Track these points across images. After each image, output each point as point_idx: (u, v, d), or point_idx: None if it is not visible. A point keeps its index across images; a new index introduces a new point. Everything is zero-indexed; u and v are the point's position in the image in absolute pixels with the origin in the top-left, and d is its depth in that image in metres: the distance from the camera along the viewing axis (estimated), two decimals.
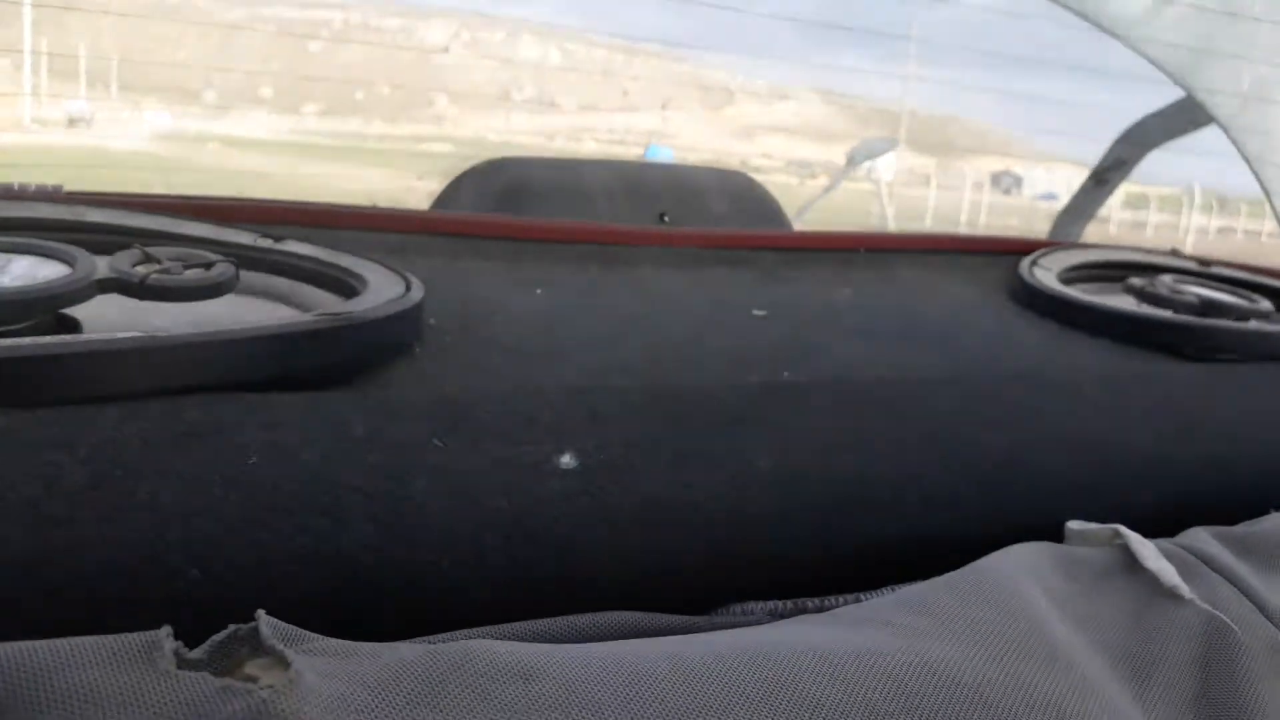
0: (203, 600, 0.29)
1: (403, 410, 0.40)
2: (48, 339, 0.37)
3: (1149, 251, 0.87)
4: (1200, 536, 0.41)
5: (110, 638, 0.23)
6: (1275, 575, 0.40)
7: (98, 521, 0.30)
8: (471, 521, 0.34)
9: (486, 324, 0.54)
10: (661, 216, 0.82)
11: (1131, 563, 0.39)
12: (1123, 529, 0.40)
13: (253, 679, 0.23)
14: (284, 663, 0.23)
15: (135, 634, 0.23)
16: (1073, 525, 0.43)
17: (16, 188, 0.58)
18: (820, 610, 0.36)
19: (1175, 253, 0.89)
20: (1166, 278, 0.77)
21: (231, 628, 0.25)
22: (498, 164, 0.83)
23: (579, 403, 0.43)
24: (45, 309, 0.42)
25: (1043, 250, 0.83)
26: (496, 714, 0.24)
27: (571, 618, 0.32)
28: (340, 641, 0.25)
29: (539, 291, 0.62)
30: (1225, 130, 0.95)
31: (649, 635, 0.32)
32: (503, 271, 0.65)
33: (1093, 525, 0.42)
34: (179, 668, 0.23)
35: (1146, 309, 0.73)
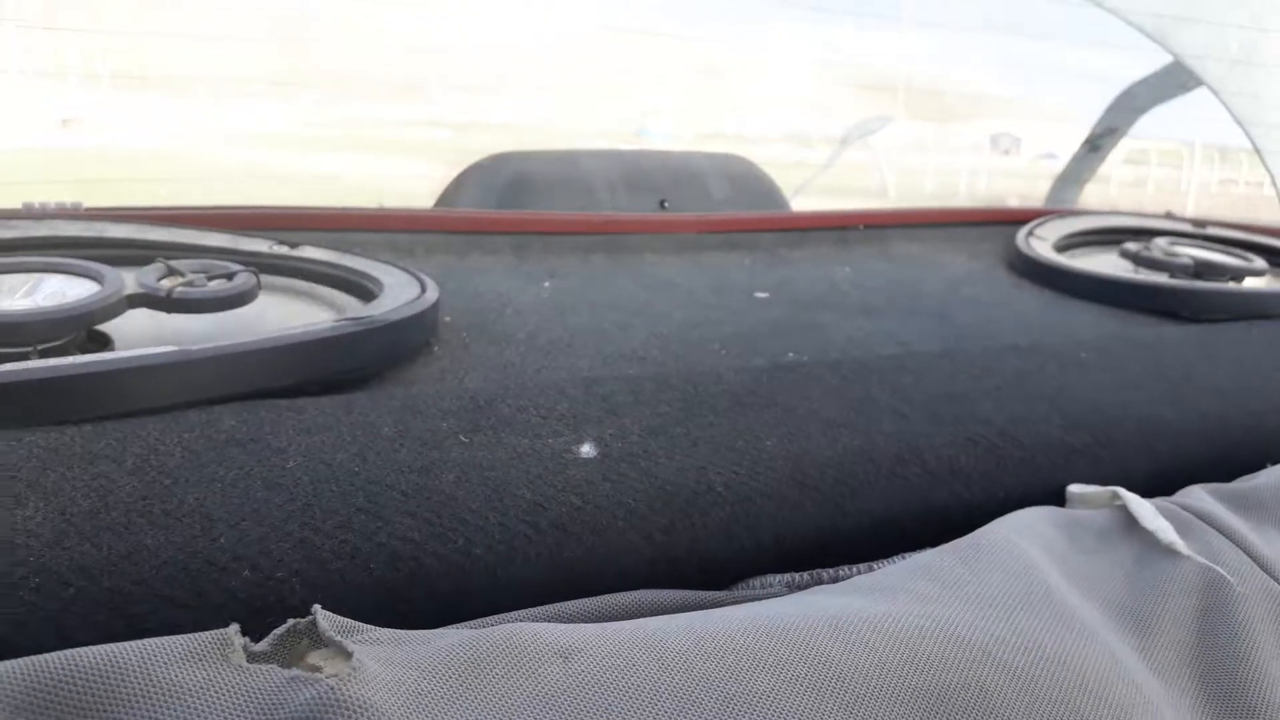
0: (256, 598, 0.31)
1: (427, 408, 0.42)
2: (89, 358, 0.39)
3: (1143, 215, 0.89)
4: (1197, 494, 0.43)
5: (185, 637, 0.25)
6: (1270, 528, 0.42)
7: (151, 529, 0.32)
8: (500, 511, 0.36)
9: (499, 319, 0.56)
10: (662, 203, 0.84)
11: (1130, 522, 0.41)
12: (1121, 490, 0.42)
13: (316, 669, 0.25)
14: (344, 652, 0.25)
15: (207, 632, 0.25)
16: (1073, 489, 0.45)
17: (37, 206, 0.60)
18: (835, 580, 0.38)
19: (1170, 215, 0.90)
20: (1161, 241, 0.79)
21: (290, 622, 0.27)
22: (500, 159, 0.85)
23: (594, 393, 0.45)
24: (79, 326, 0.44)
25: (1039, 220, 0.84)
26: (539, 691, 0.26)
27: (601, 598, 0.34)
28: (391, 630, 0.27)
29: (546, 284, 0.63)
30: (1215, 93, 0.96)
31: (674, 612, 0.34)
32: (510, 265, 0.67)
33: (1092, 488, 0.44)
34: (249, 661, 0.25)
35: (1141, 274, 0.74)
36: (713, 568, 0.38)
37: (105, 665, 0.23)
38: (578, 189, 0.82)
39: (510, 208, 0.81)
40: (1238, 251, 0.79)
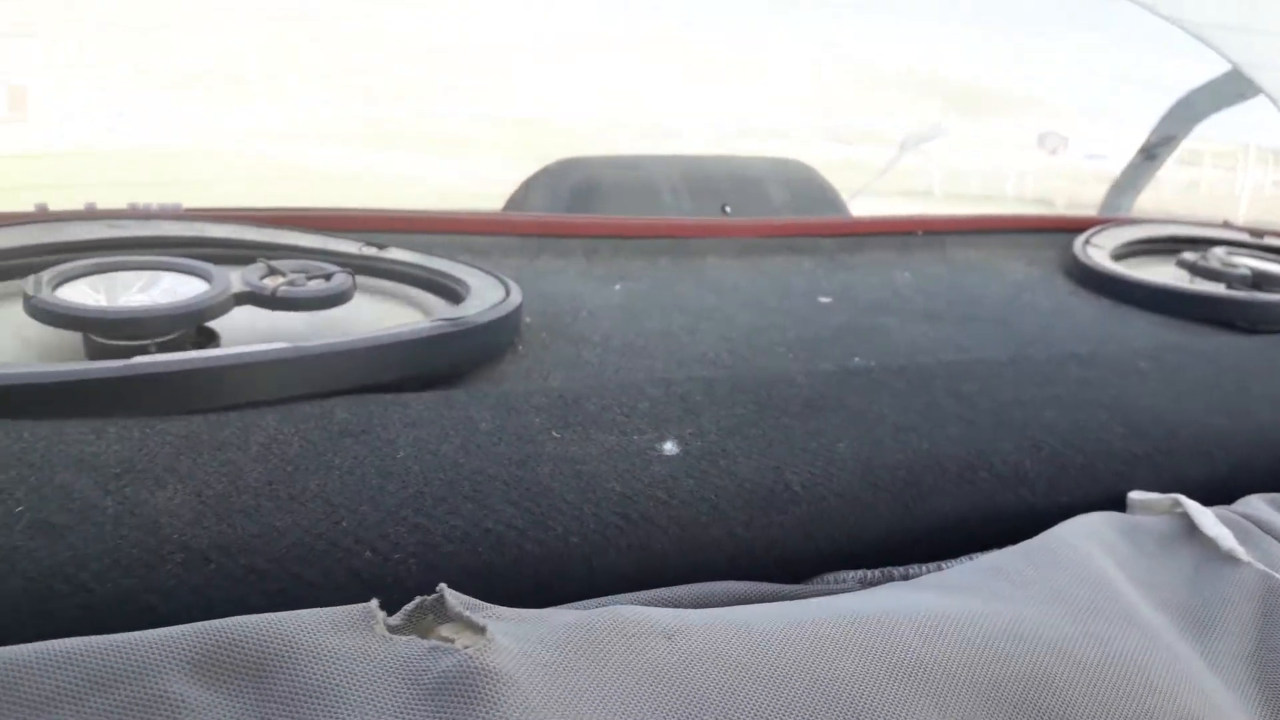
0: (376, 578, 0.34)
1: (520, 405, 0.44)
2: (215, 352, 0.42)
3: (1201, 224, 0.89)
4: (1255, 503, 0.44)
5: (333, 609, 0.27)
6: None
7: (279, 512, 0.35)
8: (593, 503, 0.38)
9: (574, 321, 0.58)
10: (723, 207, 0.86)
11: (1191, 529, 0.42)
12: (1182, 497, 0.44)
13: (449, 640, 0.27)
14: (473, 626, 0.28)
15: (352, 606, 0.28)
16: (1134, 495, 0.46)
17: (141, 206, 0.63)
18: (905, 578, 0.40)
19: (1227, 224, 0.91)
20: (1219, 251, 0.79)
21: (419, 599, 0.29)
22: (567, 164, 0.87)
23: (672, 393, 0.47)
24: (192, 322, 0.47)
25: (1095, 228, 0.85)
26: (647, 666, 0.28)
27: (685, 587, 0.37)
28: (509, 609, 0.30)
29: (617, 287, 0.66)
30: (1274, 101, 0.96)
31: (755, 602, 0.36)
32: (581, 268, 0.69)
33: (1153, 495, 0.46)
34: (390, 632, 0.27)
35: (1198, 284, 0.75)
36: (789, 563, 0.41)
37: (267, 631, 0.26)
38: (642, 193, 0.85)
39: (577, 211, 0.84)
40: None
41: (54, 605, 0.30)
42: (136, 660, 0.25)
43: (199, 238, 0.58)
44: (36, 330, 0.49)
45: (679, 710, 0.27)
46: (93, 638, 0.25)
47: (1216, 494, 0.46)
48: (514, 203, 0.91)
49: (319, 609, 0.27)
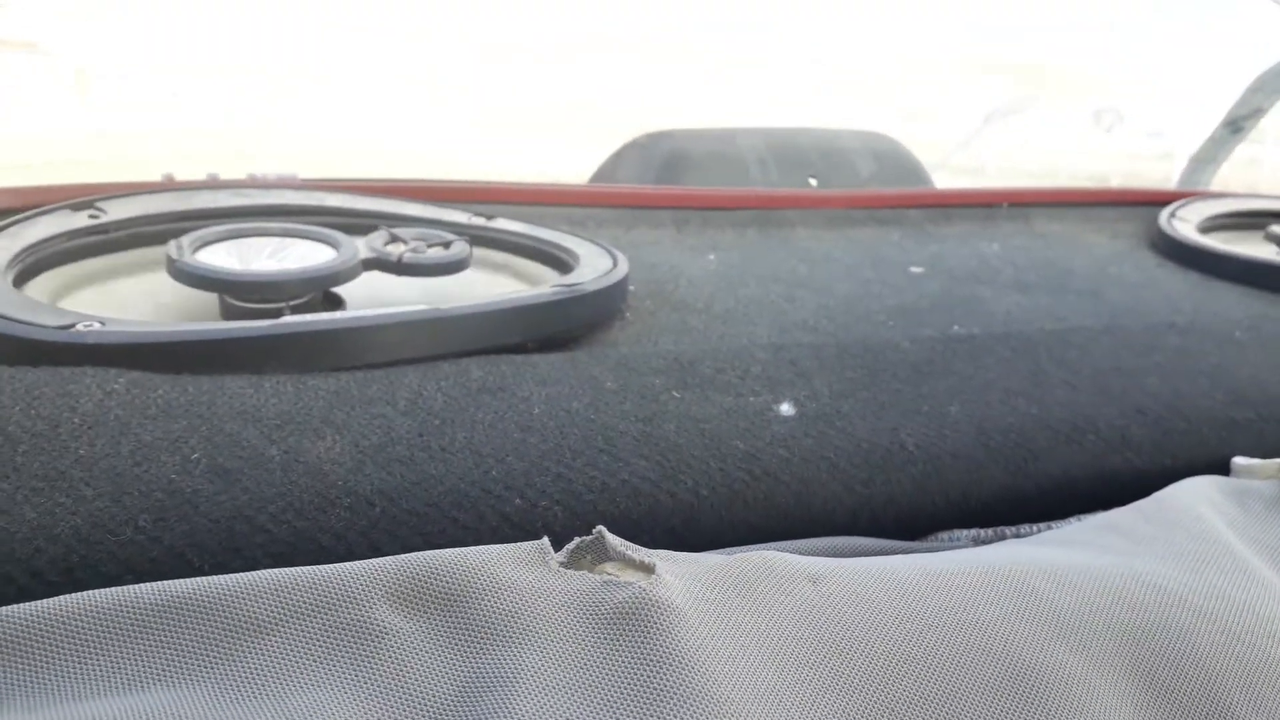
0: (525, 523, 0.36)
1: (640, 366, 0.46)
2: (359, 313, 0.45)
3: None
4: None
5: (510, 546, 0.30)
6: None
7: (431, 461, 0.37)
8: (720, 459, 0.40)
9: (675, 289, 0.60)
10: (809, 179, 0.87)
11: None
12: None
13: (614, 576, 0.29)
14: (641, 564, 0.30)
15: (525, 543, 0.30)
16: (1239, 460, 0.47)
17: (259, 176, 0.66)
18: (1018, 537, 0.41)
19: None
20: None
21: (578, 540, 0.31)
22: (657, 136, 0.89)
23: (782, 358, 0.49)
24: (324, 285, 0.50)
25: (1180, 201, 0.85)
26: (797, 607, 0.30)
27: (815, 540, 0.38)
28: (661, 550, 0.32)
29: (711, 257, 0.67)
30: None
31: (878, 555, 0.38)
32: (674, 238, 0.71)
33: (1257, 460, 0.46)
34: (563, 567, 0.29)
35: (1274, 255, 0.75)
36: (906, 520, 0.42)
37: (456, 564, 0.28)
38: (731, 165, 0.86)
39: (665, 183, 0.85)
40: None
41: (239, 544, 0.33)
42: (343, 589, 0.27)
43: (318, 206, 0.60)
44: (171, 292, 0.52)
45: (828, 650, 0.29)
46: (299, 569, 0.28)
47: None
48: (601, 175, 0.93)
49: (497, 545, 0.30)
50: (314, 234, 0.54)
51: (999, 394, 0.47)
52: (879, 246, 0.73)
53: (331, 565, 0.28)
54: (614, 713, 0.25)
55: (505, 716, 0.24)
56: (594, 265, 0.55)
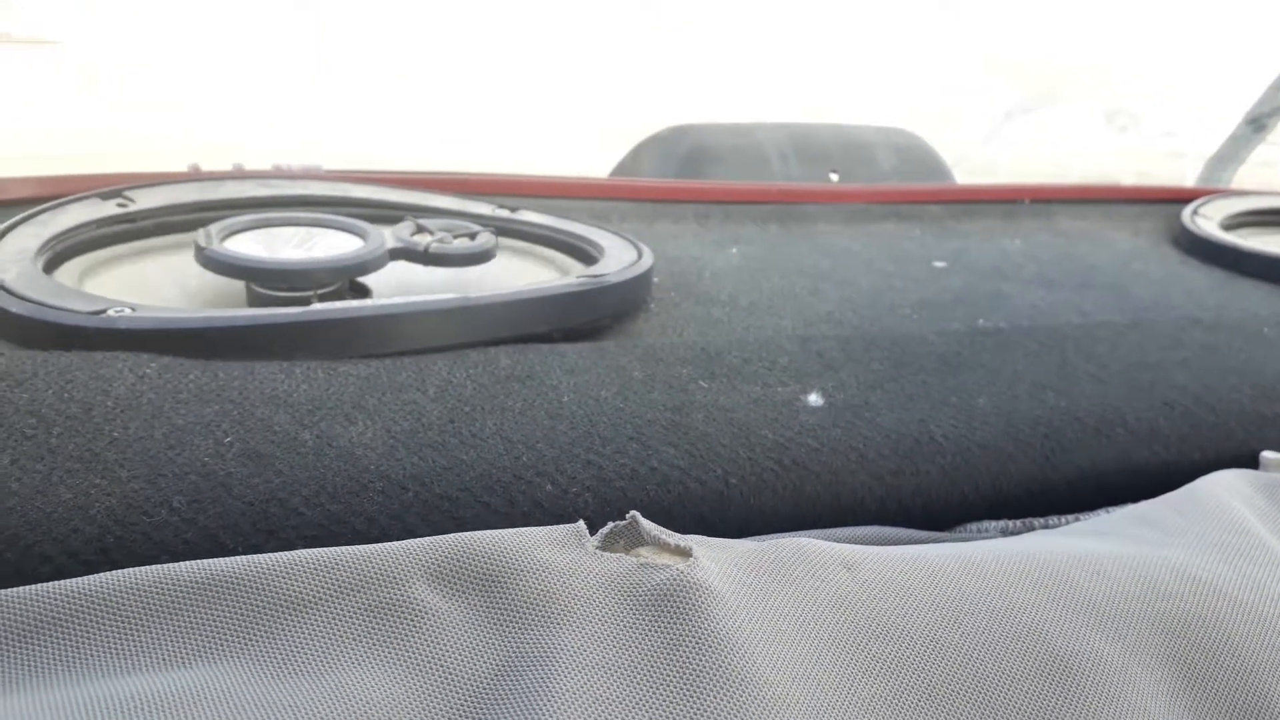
0: (557, 508, 0.36)
1: (666, 356, 0.46)
2: (388, 301, 0.45)
3: None
4: None
5: (546, 528, 0.30)
6: None
7: (463, 447, 0.37)
8: (748, 448, 0.40)
9: (699, 281, 0.60)
10: (830, 174, 0.87)
11: None
12: None
13: (650, 560, 0.29)
14: (677, 549, 0.30)
15: (562, 525, 0.30)
16: (1268, 454, 0.47)
17: (284, 167, 0.66)
18: (1046, 529, 0.41)
19: None
20: None
21: (611, 524, 0.31)
22: (678, 131, 0.89)
23: (809, 349, 0.49)
24: (352, 274, 0.50)
25: (1202, 199, 0.85)
26: (833, 593, 0.30)
27: (844, 529, 0.38)
28: (695, 536, 0.32)
29: (734, 250, 0.67)
30: None
31: (908, 544, 0.38)
32: (696, 232, 0.71)
33: None
34: (600, 550, 0.29)
35: None
36: (934, 510, 0.42)
37: (494, 545, 0.28)
38: (752, 160, 0.86)
39: (687, 177, 0.85)
40: None
41: (273, 527, 0.33)
42: (382, 568, 0.27)
43: (344, 197, 0.60)
44: (199, 280, 0.52)
45: (863, 634, 0.29)
46: (340, 548, 0.28)
47: None
48: (623, 169, 0.93)
49: (533, 528, 0.30)
50: (340, 224, 0.54)
51: (1027, 387, 0.47)
52: (900, 241, 0.73)
53: (370, 545, 0.28)
54: (652, 692, 0.25)
55: (544, 694, 0.24)
56: (619, 257, 0.55)
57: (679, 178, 0.84)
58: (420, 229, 0.55)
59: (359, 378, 0.41)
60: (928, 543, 0.39)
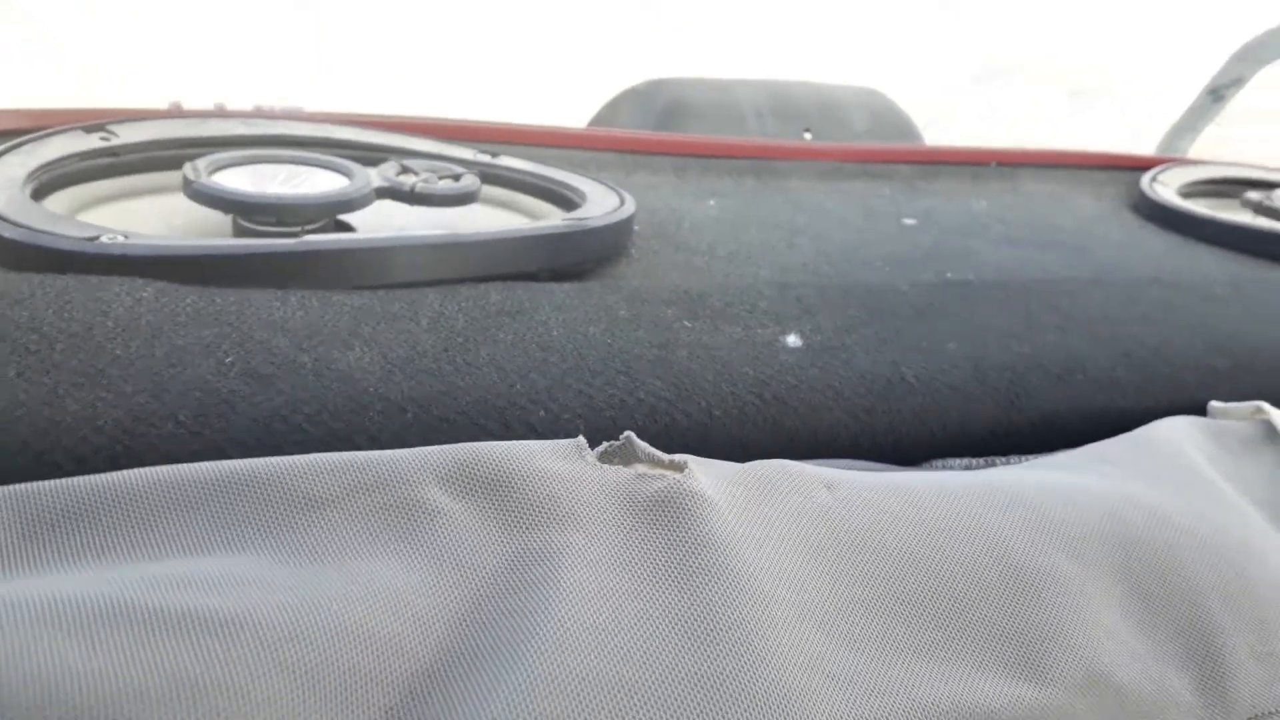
0: (550, 433, 0.37)
1: (651, 297, 0.47)
2: (380, 235, 0.46)
3: (1264, 168, 0.91)
4: None
5: (549, 441, 0.31)
6: None
7: (458, 374, 0.38)
8: (731, 383, 0.42)
9: (678, 230, 0.61)
10: (805, 132, 0.88)
11: (1271, 434, 0.46)
12: (1265, 405, 0.47)
13: (647, 472, 0.31)
14: (666, 464, 0.31)
15: (562, 440, 0.31)
16: (1214, 404, 0.50)
17: (266, 107, 0.66)
18: (1012, 464, 0.43)
19: None
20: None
21: (605, 444, 0.33)
22: (655, 84, 0.89)
23: (788, 295, 0.50)
24: (338, 211, 0.51)
25: (1161, 167, 0.87)
26: (816, 507, 0.32)
27: (821, 461, 0.40)
28: (685, 454, 0.33)
29: (711, 202, 0.69)
30: None
31: None
32: (674, 184, 0.72)
33: (1233, 404, 0.49)
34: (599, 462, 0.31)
35: (1263, 222, 0.77)
36: (905, 447, 0.44)
37: (501, 453, 0.30)
38: (728, 115, 0.87)
39: (664, 130, 0.86)
40: None
41: (277, 442, 0.34)
42: (396, 470, 0.29)
43: (327, 138, 0.61)
44: (185, 215, 0.53)
45: (844, 545, 0.31)
46: (356, 453, 0.29)
47: None
48: (599, 121, 0.94)
49: (535, 441, 0.31)
50: (327, 163, 0.54)
51: (994, 335, 0.49)
52: (871, 199, 0.75)
53: (382, 451, 0.29)
54: (652, 587, 0.26)
55: (552, 585, 0.25)
56: (601, 203, 0.56)
57: (656, 130, 0.85)
58: (405, 169, 0.56)
59: (353, 307, 0.42)
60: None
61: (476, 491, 0.29)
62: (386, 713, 0.23)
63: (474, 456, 0.29)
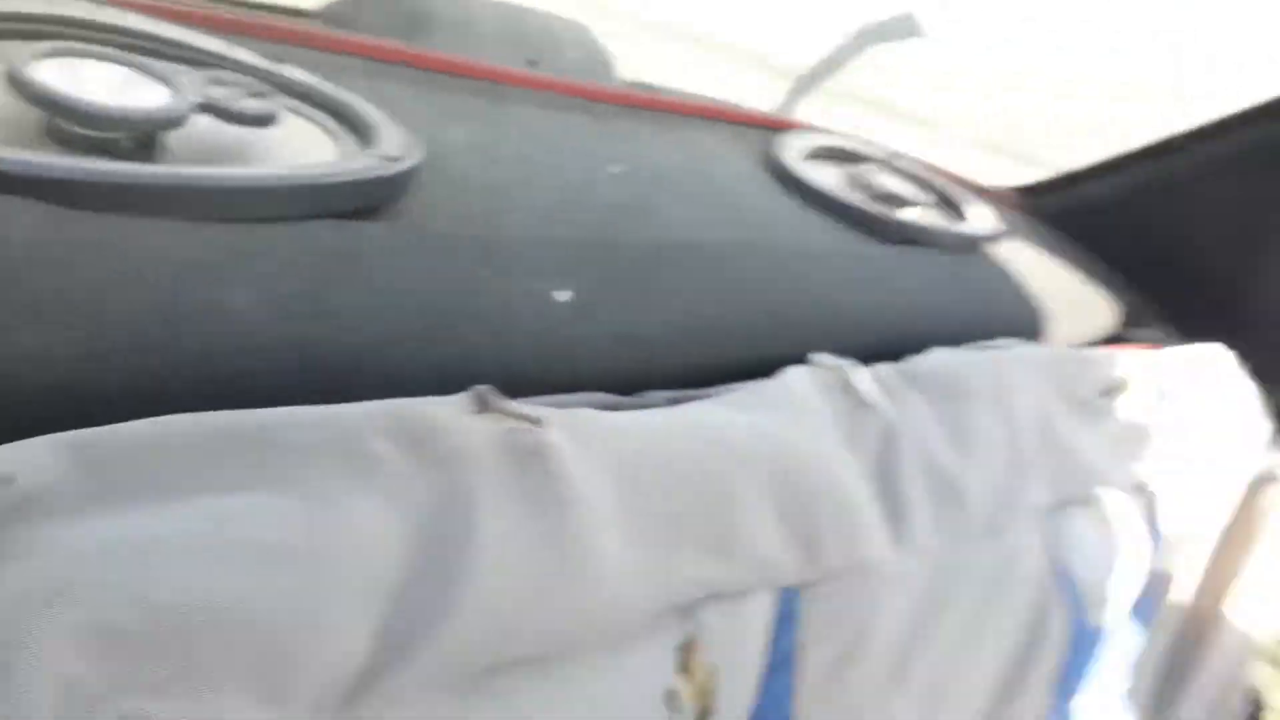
0: (398, 377, 0.49)
1: (451, 242, 0.58)
2: (221, 170, 0.51)
3: (875, 144, 1.12)
4: (883, 370, 0.72)
5: (453, 398, 0.43)
6: (918, 394, 0.71)
7: (314, 322, 0.48)
8: (526, 316, 0.55)
9: (446, 164, 0.68)
10: (531, 62, 0.95)
11: (846, 383, 0.69)
12: (844, 363, 0.70)
13: (516, 425, 0.45)
14: (527, 416, 0.45)
15: (455, 395, 0.44)
16: (814, 356, 0.72)
17: None
18: (699, 399, 0.63)
19: (896, 154, 1.12)
20: (872, 166, 1.00)
21: (460, 395, 0.46)
22: None
23: (555, 248, 0.63)
24: (163, 127, 0.54)
25: (795, 130, 1.06)
26: (611, 450, 0.48)
27: (588, 394, 0.56)
28: (536, 408, 0.47)
29: (463, 130, 0.76)
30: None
31: (619, 409, 0.57)
32: (411, 100, 0.76)
33: (829, 358, 0.72)
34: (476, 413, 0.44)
35: (858, 197, 0.95)
36: (636, 377, 0.61)
37: (404, 412, 0.42)
38: (461, 31, 0.90)
39: (397, 36, 0.89)
40: (940, 188, 1.04)
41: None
42: (350, 424, 0.40)
43: (110, 24, 0.61)
44: None
45: (623, 471, 0.48)
46: (324, 408, 0.40)
47: (862, 360, 0.72)
48: (332, 12, 0.92)
49: (442, 397, 0.44)
50: (151, 69, 0.56)
51: (683, 299, 0.67)
52: (586, 139, 0.85)
53: (334, 406, 0.40)
54: (535, 509, 0.42)
55: (473, 512, 0.40)
56: (394, 137, 0.63)
57: (393, 35, 0.87)
58: (218, 82, 0.59)
59: (225, 243, 0.48)
60: (626, 408, 0.58)
61: (406, 441, 0.41)
62: (383, 595, 0.37)
63: (398, 412, 0.41)
